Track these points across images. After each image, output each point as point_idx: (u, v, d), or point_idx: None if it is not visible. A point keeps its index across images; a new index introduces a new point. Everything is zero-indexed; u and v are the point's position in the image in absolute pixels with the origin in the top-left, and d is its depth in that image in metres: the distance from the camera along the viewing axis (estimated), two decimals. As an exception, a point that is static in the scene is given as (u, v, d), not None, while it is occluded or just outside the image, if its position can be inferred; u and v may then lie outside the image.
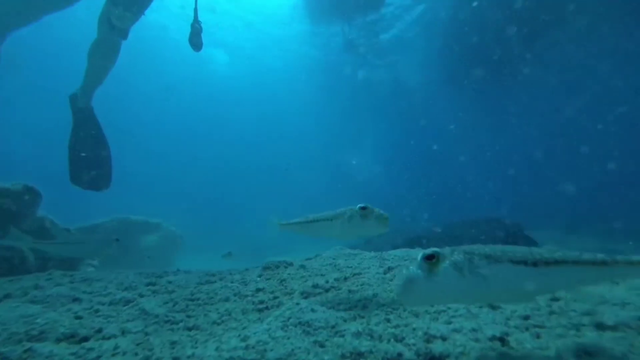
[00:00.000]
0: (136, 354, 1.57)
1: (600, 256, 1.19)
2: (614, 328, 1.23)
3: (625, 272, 1.18)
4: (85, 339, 1.72)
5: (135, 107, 37.60)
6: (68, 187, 6.06)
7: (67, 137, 5.89)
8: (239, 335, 1.81)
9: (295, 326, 1.72)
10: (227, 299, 2.58)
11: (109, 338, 1.75)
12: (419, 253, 1.23)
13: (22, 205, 4.81)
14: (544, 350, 1.16)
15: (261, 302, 2.47)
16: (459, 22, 14.65)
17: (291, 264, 3.43)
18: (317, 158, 42.31)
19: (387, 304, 1.76)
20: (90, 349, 1.57)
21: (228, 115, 40.99)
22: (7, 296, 2.16)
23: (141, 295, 2.50)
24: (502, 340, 1.19)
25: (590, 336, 1.23)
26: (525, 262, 1.15)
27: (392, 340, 1.31)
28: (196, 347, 1.67)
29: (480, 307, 1.42)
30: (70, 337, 1.70)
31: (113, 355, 1.54)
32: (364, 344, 1.37)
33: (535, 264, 1.14)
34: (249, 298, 2.59)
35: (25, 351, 1.45)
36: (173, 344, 1.74)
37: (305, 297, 2.36)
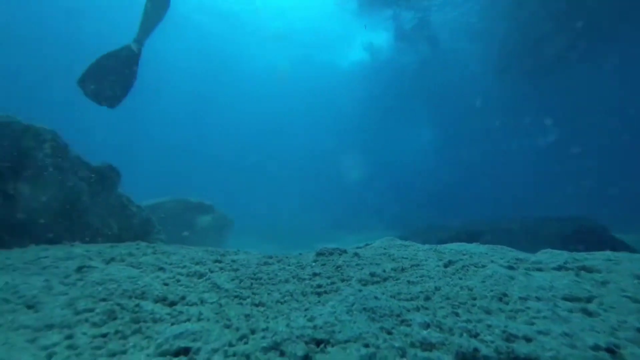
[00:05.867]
0: (217, 322, 1.74)
1: None
2: None
3: None
4: (174, 303, 1.94)
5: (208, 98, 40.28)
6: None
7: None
8: (305, 316, 1.92)
9: (360, 312, 1.78)
10: (286, 281, 2.73)
11: (192, 305, 1.95)
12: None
13: (107, 181, 5.42)
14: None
15: (319, 286, 2.57)
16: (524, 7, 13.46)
17: (345, 252, 3.50)
18: (360, 150, 42.05)
19: (452, 298, 1.76)
20: (181, 312, 1.78)
21: (278, 108, 42.17)
22: (112, 259, 2.50)
23: (211, 271, 2.72)
24: (611, 351, 1.09)
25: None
26: None
27: (464, 334, 1.31)
28: (268, 322, 1.81)
29: (570, 311, 1.36)
30: (162, 300, 1.93)
31: (199, 320, 1.73)
32: (434, 335, 1.39)
33: None
34: (307, 281, 2.71)
35: (135, 305, 1.69)
36: (247, 316, 1.90)
37: (364, 285, 2.42)
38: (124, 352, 1.39)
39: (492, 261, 2.12)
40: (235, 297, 2.30)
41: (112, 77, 6.21)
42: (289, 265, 3.16)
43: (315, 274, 2.88)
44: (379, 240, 4.56)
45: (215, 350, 1.43)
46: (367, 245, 4.49)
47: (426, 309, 1.71)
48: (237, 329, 1.68)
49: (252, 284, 2.63)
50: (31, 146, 4.33)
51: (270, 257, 3.50)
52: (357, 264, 3.06)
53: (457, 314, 1.54)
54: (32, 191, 4.28)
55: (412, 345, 1.34)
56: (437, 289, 1.94)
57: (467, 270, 2.09)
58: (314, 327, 1.72)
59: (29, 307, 1.71)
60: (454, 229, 9.07)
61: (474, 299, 1.63)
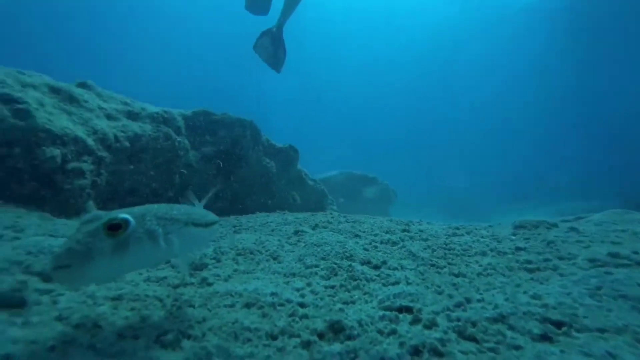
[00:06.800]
0: (427, 287, 1.75)
1: None
2: None
3: None
4: (377, 267, 2.08)
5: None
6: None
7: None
8: (524, 292, 1.70)
9: (614, 299, 1.42)
10: (484, 253, 2.50)
11: (394, 269, 2.05)
12: None
13: (289, 159, 6.38)
14: None
15: (528, 262, 2.24)
16: None
17: (555, 225, 2.93)
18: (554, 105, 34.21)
19: None
20: (388, 275, 1.89)
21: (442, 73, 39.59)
22: (316, 226, 2.95)
23: (402, 239, 2.79)
24: None
25: None
26: None
27: None
28: (481, 294, 1.70)
29: None
30: (367, 263, 2.11)
31: (408, 284, 1.79)
32: None
33: None
34: (510, 256, 2.40)
35: (349, 266, 1.91)
36: (454, 285, 1.84)
37: (600, 266, 1.93)
38: (353, 302, 1.59)
39: None
40: (432, 265, 2.27)
41: (270, 49, 7.74)
42: (482, 238, 2.90)
43: (519, 248, 2.52)
44: (598, 213, 3.60)
45: (436, 313, 1.43)
46: (578, 218, 3.63)
47: None
48: (450, 296, 1.64)
49: (445, 254, 2.54)
50: (240, 134, 5.51)
51: (458, 228, 3.31)
52: (577, 241, 2.50)
53: None
54: (242, 170, 5.49)
55: None
56: None
57: None
58: (544, 306, 1.49)
59: (274, 258, 2.20)
60: None
61: None
